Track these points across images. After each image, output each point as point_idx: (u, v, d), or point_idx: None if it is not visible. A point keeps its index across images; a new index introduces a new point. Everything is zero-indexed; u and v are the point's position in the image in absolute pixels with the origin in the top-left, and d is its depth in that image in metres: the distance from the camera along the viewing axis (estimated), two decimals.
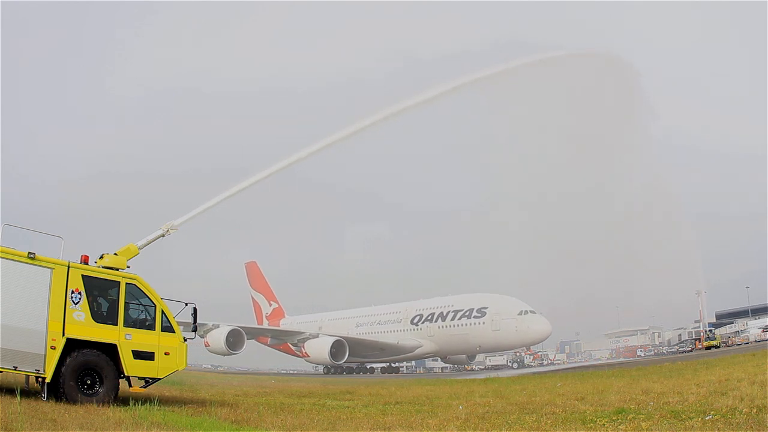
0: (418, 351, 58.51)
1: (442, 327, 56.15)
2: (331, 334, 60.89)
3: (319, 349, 58.21)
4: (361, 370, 65.85)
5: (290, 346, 65.33)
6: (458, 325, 54.56)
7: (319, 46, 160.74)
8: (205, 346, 56.82)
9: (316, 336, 60.11)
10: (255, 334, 64.46)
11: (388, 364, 64.30)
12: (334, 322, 67.21)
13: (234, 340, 55.60)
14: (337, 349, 57.21)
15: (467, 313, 54.07)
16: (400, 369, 69.87)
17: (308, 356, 60.05)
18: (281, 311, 79.88)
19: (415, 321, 58.85)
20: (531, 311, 50.22)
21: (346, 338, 58.62)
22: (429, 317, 57.70)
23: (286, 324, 75.15)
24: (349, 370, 63.92)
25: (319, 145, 19.79)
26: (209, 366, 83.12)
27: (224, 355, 58.36)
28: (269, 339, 68.66)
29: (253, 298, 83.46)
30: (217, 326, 57.68)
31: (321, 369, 65.58)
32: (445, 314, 56.31)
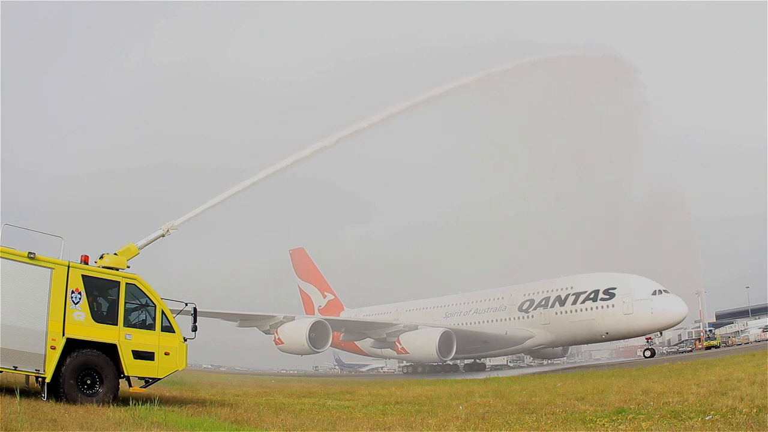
0: (528, 342, 50.11)
1: (561, 313, 47.57)
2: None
3: (422, 343, 48.87)
4: (448, 369, 54.64)
5: (369, 343, 56.55)
6: (581, 310, 46.28)
7: (313, 45, 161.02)
8: (276, 344, 49.69)
9: (415, 328, 50.86)
10: (337, 326, 53.35)
11: (473, 360, 56.34)
12: (415, 313, 57.54)
13: (316, 336, 47.18)
14: (443, 342, 47.84)
15: (592, 296, 45.93)
16: (497, 365, 60.82)
17: (407, 353, 50.68)
18: (339, 303, 69.38)
19: (525, 307, 50.09)
20: (665, 290, 43.96)
21: (454, 330, 49.51)
22: (543, 302, 48.96)
23: (348, 317, 64.39)
24: (436, 370, 54.23)
25: (317, 147, 19.81)
26: (209, 366, 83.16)
27: (303, 354, 50.50)
28: (341, 334, 57.10)
29: (300, 289, 73.41)
30: (292, 319, 50.44)
31: (405, 369, 58.33)
32: (563, 298, 47.76)
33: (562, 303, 47.85)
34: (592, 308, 45.74)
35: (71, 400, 12.53)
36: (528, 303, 50.18)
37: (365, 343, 58.29)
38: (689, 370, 20.99)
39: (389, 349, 54.43)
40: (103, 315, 13.71)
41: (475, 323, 52.37)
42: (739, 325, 66.82)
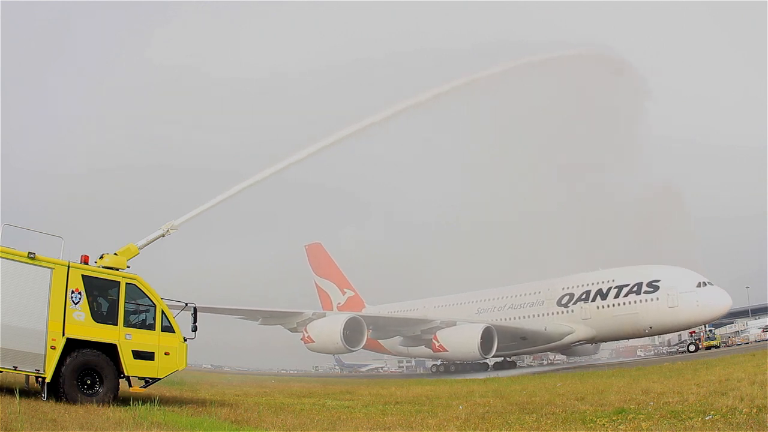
0: (567, 338, 47.27)
1: (603, 307, 45.03)
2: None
3: (463, 340, 45.65)
4: (477, 368, 50.51)
5: (397, 341, 53.10)
6: (624, 304, 43.99)
7: (312, 45, 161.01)
8: (305, 342, 46.66)
9: (453, 324, 47.56)
10: (369, 323, 48.84)
11: (503, 358, 52.87)
12: (444, 310, 53.78)
13: (350, 333, 43.87)
14: (485, 339, 44.89)
15: (635, 288, 43.76)
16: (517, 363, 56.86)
17: (445, 350, 47.06)
18: (360, 300, 65.03)
19: (564, 302, 47.28)
20: (709, 282, 42.32)
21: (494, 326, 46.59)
22: (583, 296, 46.21)
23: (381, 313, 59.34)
24: (466, 369, 50.42)
25: (314, 148, 19.81)
26: (209, 366, 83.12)
27: (336, 353, 48.15)
28: (368, 332, 51.52)
29: (318, 285, 69.40)
30: (322, 315, 47.45)
31: (434, 368, 54.86)
32: (605, 291, 45.24)
33: (604, 297, 45.28)
34: (635, 302, 43.54)
35: (71, 400, 12.53)
36: (567, 297, 47.44)
37: (392, 342, 54.97)
38: (689, 370, 21.00)
39: (423, 347, 51.55)
40: (103, 315, 13.72)
41: (511, 319, 49.18)
42: (739, 325, 66.82)
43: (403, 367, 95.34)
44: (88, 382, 13.08)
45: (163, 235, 17.09)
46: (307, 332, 46.09)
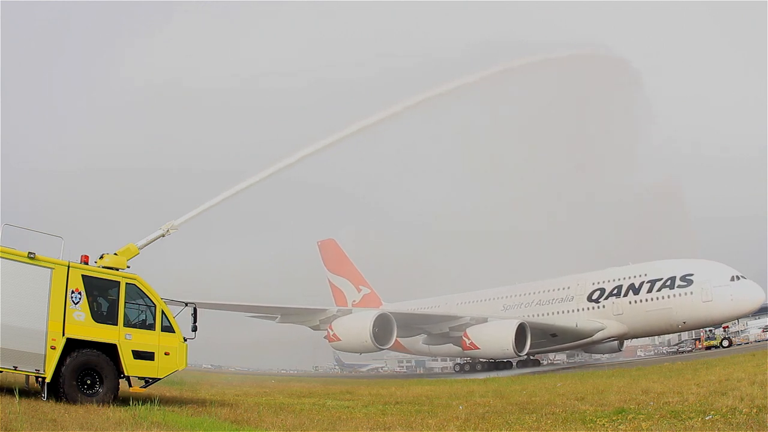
0: (598, 335, 45.59)
1: (635, 302, 43.51)
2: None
3: (496, 337, 43.60)
4: (501, 366, 48.09)
5: (420, 339, 50.91)
6: (657, 298, 42.59)
7: (306, 46, 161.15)
8: (330, 341, 44.78)
9: (484, 320, 45.88)
10: (396, 320, 45.33)
11: (527, 356, 49.46)
12: (467, 306, 51.60)
13: (378, 331, 41.73)
14: (519, 335, 43.10)
15: (668, 283, 42.35)
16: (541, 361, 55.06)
17: (477, 348, 44.95)
18: (376, 297, 62.36)
19: (595, 297, 45.55)
20: (742, 276, 41.16)
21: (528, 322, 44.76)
22: (615, 291, 44.76)
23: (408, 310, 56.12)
24: (491, 367, 47.94)
25: (311, 149, 19.80)
26: (209, 366, 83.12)
27: (364, 352, 45.80)
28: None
29: (331, 282, 67.07)
30: (348, 312, 45.48)
31: (457, 367, 52.58)
32: (637, 286, 43.72)
33: (637, 291, 43.71)
34: (668, 296, 42.19)
35: (71, 400, 12.54)
36: (598, 292, 45.59)
37: (413, 341, 52.90)
38: (689, 370, 21.00)
39: (448, 346, 49.67)
40: (103, 315, 13.72)
41: (539, 315, 47.12)
42: (739, 325, 66.77)
43: (403, 367, 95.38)
44: (88, 382, 13.08)
45: (163, 235, 17.08)
46: (332, 330, 43.94)
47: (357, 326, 42.34)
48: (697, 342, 59.02)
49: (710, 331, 56.67)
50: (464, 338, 45.16)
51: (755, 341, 54.29)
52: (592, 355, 61.24)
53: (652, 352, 71.11)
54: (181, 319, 15.07)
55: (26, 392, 13.10)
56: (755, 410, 10.75)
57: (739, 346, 49.57)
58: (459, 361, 51.99)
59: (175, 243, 18.18)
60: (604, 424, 11.07)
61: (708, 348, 51.04)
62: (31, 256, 12.79)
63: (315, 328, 47.61)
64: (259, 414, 13.59)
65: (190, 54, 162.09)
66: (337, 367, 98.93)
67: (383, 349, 44.17)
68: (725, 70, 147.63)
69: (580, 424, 11.40)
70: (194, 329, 15.39)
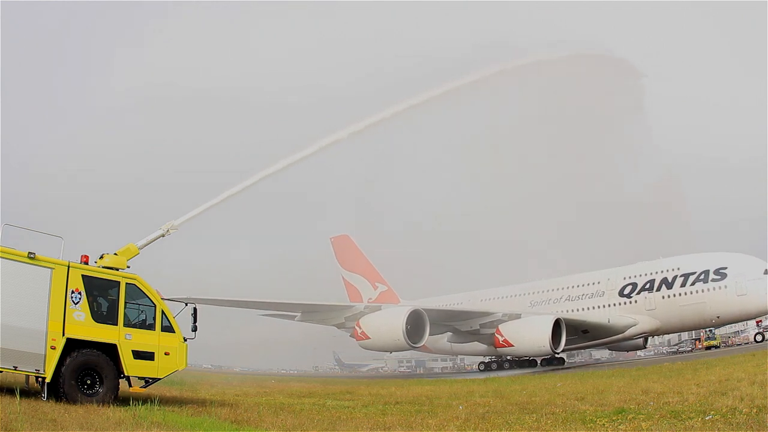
0: (630, 331, 44.29)
1: (668, 297, 42.27)
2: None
3: (532, 333, 41.98)
4: (525, 364, 46.09)
5: (446, 337, 48.45)
6: (691, 293, 41.41)
7: (304, 50, 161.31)
8: (357, 339, 42.93)
9: (518, 316, 43.97)
10: (429, 316, 42.92)
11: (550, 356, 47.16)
12: (493, 303, 49.71)
13: (410, 328, 39.87)
14: (555, 331, 41.61)
15: (702, 277, 41.17)
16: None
17: (511, 345, 42.99)
18: (393, 295, 60.12)
19: (627, 292, 44.29)
20: None
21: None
22: (647, 286, 43.39)
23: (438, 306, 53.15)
24: (516, 365, 46.21)
25: (312, 149, 19.81)
26: (209, 366, 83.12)
27: (395, 350, 44.32)
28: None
29: (345, 280, 64.77)
30: (377, 308, 43.46)
31: (481, 365, 49.88)
32: (670, 280, 42.42)
33: (670, 286, 42.38)
34: (702, 290, 41.03)
35: (71, 400, 12.53)
36: (630, 287, 44.20)
37: (435, 339, 49.51)
38: (689, 370, 20.99)
39: (473, 344, 48.00)
40: (103, 315, 13.72)
41: (569, 311, 45.45)
42: (739, 325, 66.80)
43: (403, 367, 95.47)
44: (88, 382, 13.08)
45: (163, 235, 17.08)
46: (360, 327, 42.11)
47: (389, 323, 40.59)
48: (697, 342, 59.06)
49: (710, 331, 56.72)
50: (497, 335, 43.25)
51: (755, 341, 54.28)
52: (612, 352, 59.95)
53: (652, 352, 71.11)
54: (181, 319, 15.08)
55: (26, 392, 13.09)
56: (755, 410, 10.75)
57: (739, 346, 49.62)
58: (484, 360, 50.43)
59: (175, 243, 18.19)
60: (604, 424, 11.07)
61: (708, 348, 51.06)
62: (31, 256, 12.79)
63: (340, 326, 46.02)
64: (259, 414, 13.60)
65: (190, 56, 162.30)
66: (337, 367, 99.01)
67: (416, 348, 42.11)
68: (725, 70, 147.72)
69: (580, 424, 11.40)
70: (194, 329, 15.39)
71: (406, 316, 39.62)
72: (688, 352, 55.54)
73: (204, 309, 15.80)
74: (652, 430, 10.16)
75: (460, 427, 11.68)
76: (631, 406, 12.86)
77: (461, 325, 46.10)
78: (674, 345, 68.68)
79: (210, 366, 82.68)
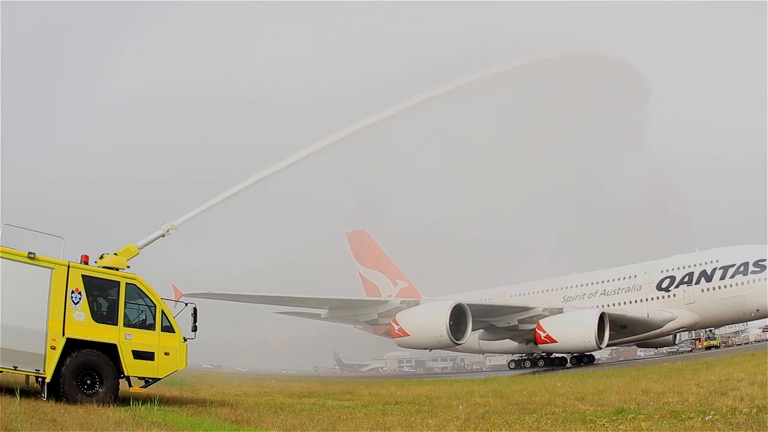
0: (668, 325, 42.85)
1: (708, 290, 41.08)
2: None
3: (577, 328, 40.09)
4: (556, 363, 44.90)
5: (477, 335, 45.31)
6: (730, 285, 40.30)
7: (304, 50, 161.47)
8: (393, 336, 40.85)
9: (559, 311, 42.18)
10: (474, 311, 41.02)
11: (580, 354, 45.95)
12: (524, 298, 47.88)
13: (452, 324, 38.02)
14: (600, 326, 39.73)
15: (741, 269, 40.14)
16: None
17: (554, 341, 40.90)
18: (415, 291, 57.36)
19: (665, 286, 42.77)
20: None
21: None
22: (686, 279, 42.06)
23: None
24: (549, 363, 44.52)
25: (312, 149, 19.82)
26: (209, 366, 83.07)
27: (436, 348, 42.41)
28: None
29: (363, 276, 62.17)
30: (416, 303, 41.26)
31: (512, 363, 48.44)
32: (709, 272, 41.23)
33: (709, 278, 41.16)
34: (742, 283, 39.83)
35: (71, 400, 12.54)
36: (668, 280, 42.80)
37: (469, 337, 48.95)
38: (689, 370, 20.99)
39: (506, 341, 46.43)
40: (103, 315, 13.72)
41: (605, 306, 43.49)
42: (739, 325, 66.89)
43: (402, 367, 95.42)
44: (88, 382, 13.08)
45: (163, 235, 17.08)
46: (397, 324, 39.94)
47: (431, 319, 38.48)
48: (697, 342, 59.09)
49: (710, 331, 56.75)
50: (538, 331, 41.19)
51: (755, 341, 54.38)
52: (645, 349, 58.41)
53: (652, 352, 71.12)
54: (181, 320, 15.09)
55: (26, 392, 13.09)
56: (755, 410, 10.75)
57: (739, 347, 49.63)
58: (515, 357, 48.82)
59: (175, 243, 18.19)
60: (604, 424, 11.07)
61: (708, 348, 51.06)
62: (31, 256, 12.80)
63: (372, 322, 44.11)
64: (259, 414, 13.60)
65: (189, 56, 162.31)
66: (337, 367, 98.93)
67: (458, 344, 39.86)
68: (725, 71, 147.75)
69: (580, 424, 11.40)
70: (194, 329, 15.40)
71: (450, 310, 37.67)
72: (688, 352, 55.52)
73: (204, 309, 15.79)
74: (652, 430, 10.16)
75: (460, 427, 11.68)
76: (631, 406, 12.86)
77: (498, 321, 43.91)
78: (674, 345, 68.72)
79: (210, 366, 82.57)
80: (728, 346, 55.43)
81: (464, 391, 20.90)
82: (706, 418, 10.59)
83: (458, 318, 38.44)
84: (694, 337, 61.95)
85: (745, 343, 53.96)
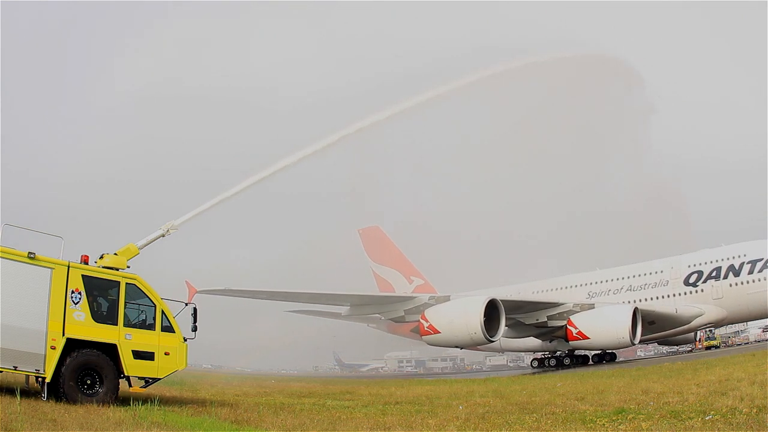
0: (696, 321, 41.98)
1: (736, 285, 40.20)
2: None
3: (609, 324, 38.91)
4: (578, 362, 43.80)
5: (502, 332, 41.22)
6: (759, 280, 39.41)
7: (304, 50, 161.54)
8: (423, 334, 39.50)
9: (590, 306, 40.97)
10: (506, 307, 39.36)
11: (602, 351, 44.59)
12: (548, 294, 46.72)
13: (485, 319, 36.58)
14: (634, 322, 38.88)
15: None
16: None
17: (585, 338, 39.64)
18: (431, 289, 54.99)
19: (692, 281, 41.88)
20: None
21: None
22: (713, 273, 41.23)
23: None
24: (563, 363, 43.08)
25: (312, 149, 19.82)
26: (209, 366, 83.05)
27: (467, 346, 41.33)
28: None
29: (375, 273, 60.60)
30: (445, 299, 39.87)
31: (534, 362, 46.20)
32: (737, 267, 40.33)
33: (737, 273, 40.34)
34: None
35: (71, 400, 12.53)
36: (695, 275, 41.90)
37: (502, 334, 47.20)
38: (689, 370, 20.99)
39: (530, 339, 45.04)
40: (103, 315, 13.72)
41: (633, 302, 42.41)
42: (739, 325, 66.89)
43: (403, 367, 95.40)
44: (88, 382, 13.08)
45: (163, 235, 17.08)
46: (427, 321, 38.64)
47: (463, 315, 37.02)
48: (697, 342, 59.06)
49: (710, 331, 56.68)
50: (569, 327, 40.08)
51: (755, 341, 54.37)
52: (666, 346, 56.52)
53: (652, 352, 71.12)
54: (181, 320, 15.08)
55: (26, 392, 13.09)
56: (755, 410, 10.75)
57: (739, 346, 49.62)
58: (537, 356, 47.12)
59: (175, 243, 18.19)
60: (604, 424, 11.07)
61: (708, 348, 51.02)
62: (31, 256, 12.79)
63: (398, 320, 42.88)
64: (259, 414, 13.60)
65: (189, 56, 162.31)
66: (337, 367, 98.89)
67: (492, 341, 38.47)
68: (725, 71, 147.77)
69: (580, 424, 11.39)
70: (194, 329, 15.39)
71: (484, 306, 36.21)
72: (688, 352, 55.49)
73: (204, 309, 15.79)
74: (652, 430, 10.16)
75: (460, 427, 11.68)
76: (631, 406, 12.86)
77: (526, 317, 42.42)
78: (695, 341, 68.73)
79: (210, 366, 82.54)
80: (728, 346, 55.38)
81: (464, 391, 20.90)
82: (706, 418, 10.59)
83: (490, 314, 37.11)
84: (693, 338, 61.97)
85: (745, 343, 53.92)
